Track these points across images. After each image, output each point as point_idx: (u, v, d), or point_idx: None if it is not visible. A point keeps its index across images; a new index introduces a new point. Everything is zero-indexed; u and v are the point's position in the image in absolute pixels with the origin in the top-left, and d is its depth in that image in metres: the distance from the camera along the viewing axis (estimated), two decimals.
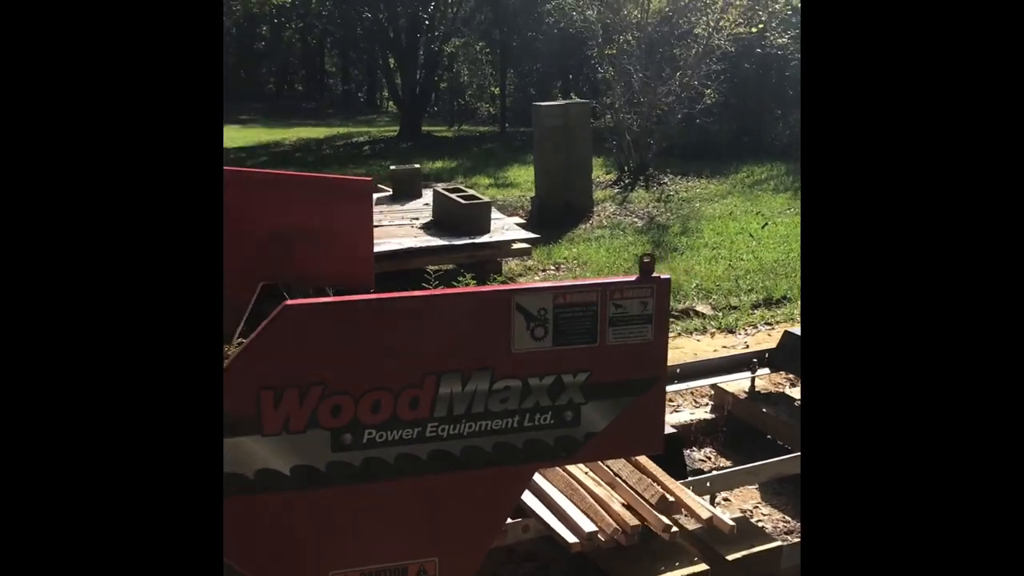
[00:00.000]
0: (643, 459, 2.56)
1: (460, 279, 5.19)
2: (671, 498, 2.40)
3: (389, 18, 17.36)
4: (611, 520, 2.33)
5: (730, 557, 2.39)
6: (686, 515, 2.46)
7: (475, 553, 1.77)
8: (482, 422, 1.68)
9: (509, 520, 2.36)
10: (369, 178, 2.78)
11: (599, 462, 2.51)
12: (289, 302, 1.55)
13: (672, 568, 2.34)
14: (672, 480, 2.50)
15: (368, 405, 1.61)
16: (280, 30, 25.79)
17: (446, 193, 5.96)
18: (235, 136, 19.34)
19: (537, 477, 2.43)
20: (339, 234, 2.63)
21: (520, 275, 6.04)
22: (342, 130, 20.14)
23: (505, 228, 5.97)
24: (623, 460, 2.50)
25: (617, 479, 2.51)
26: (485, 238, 5.68)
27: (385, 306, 1.65)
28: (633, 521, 2.33)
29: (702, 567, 2.35)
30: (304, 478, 1.61)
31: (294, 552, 1.65)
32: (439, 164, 12.37)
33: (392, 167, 6.98)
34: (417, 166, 6.98)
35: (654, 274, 1.75)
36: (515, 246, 5.84)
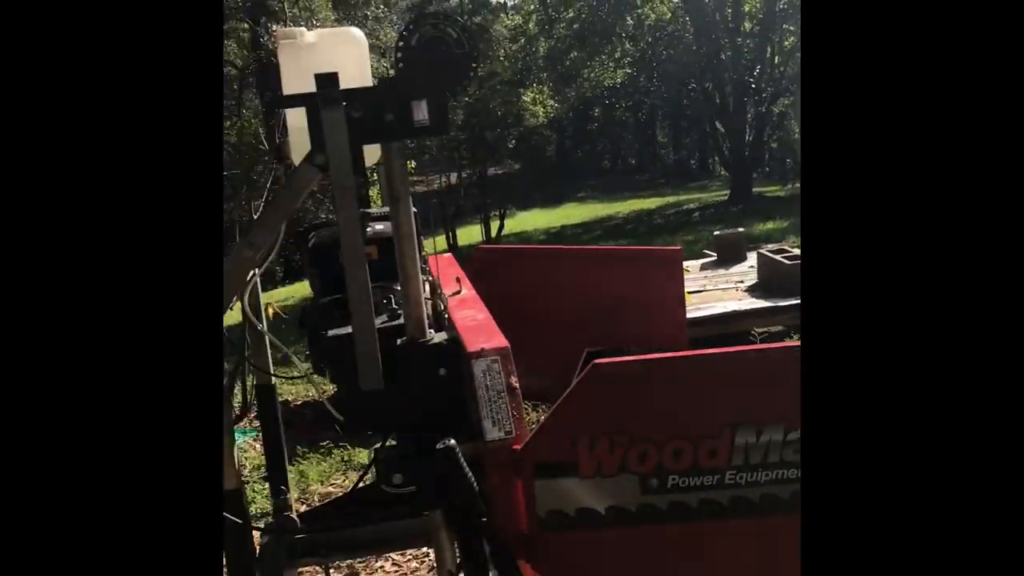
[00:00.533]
0: None
1: (788, 339, 5.19)
2: None
3: (716, 85, 17.66)
4: None
5: None
6: None
7: None
8: (779, 470, 1.81)
9: None
10: (679, 247, 3.01)
11: None
12: (599, 361, 1.82)
13: None
14: None
15: (671, 453, 1.82)
16: (612, 109, 27.11)
17: (770, 255, 5.99)
18: (572, 213, 20.61)
19: None
20: (653, 300, 2.88)
21: None
22: (672, 199, 20.66)
23: None
24: None
25: None
26: None
27: (683, 364, 1.86)
28: None
29: None
30: (620, 516, 1.84)
31: None
32: (770, 225, 12.28)
33: (716, 232, 7.15)
34: (741, 230, 7.08)
35: None
36: None
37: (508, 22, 23.69)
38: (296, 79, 2.24)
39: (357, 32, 2.41)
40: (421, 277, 2.22)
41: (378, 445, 2.23)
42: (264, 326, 2.65)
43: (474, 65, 2.05)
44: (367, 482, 2.97)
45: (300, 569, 3.10)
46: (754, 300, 5.72)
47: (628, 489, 1.83)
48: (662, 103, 22.60)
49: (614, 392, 1.83)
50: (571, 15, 18.44)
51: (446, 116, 2.08)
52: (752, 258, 6.42)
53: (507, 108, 27.99)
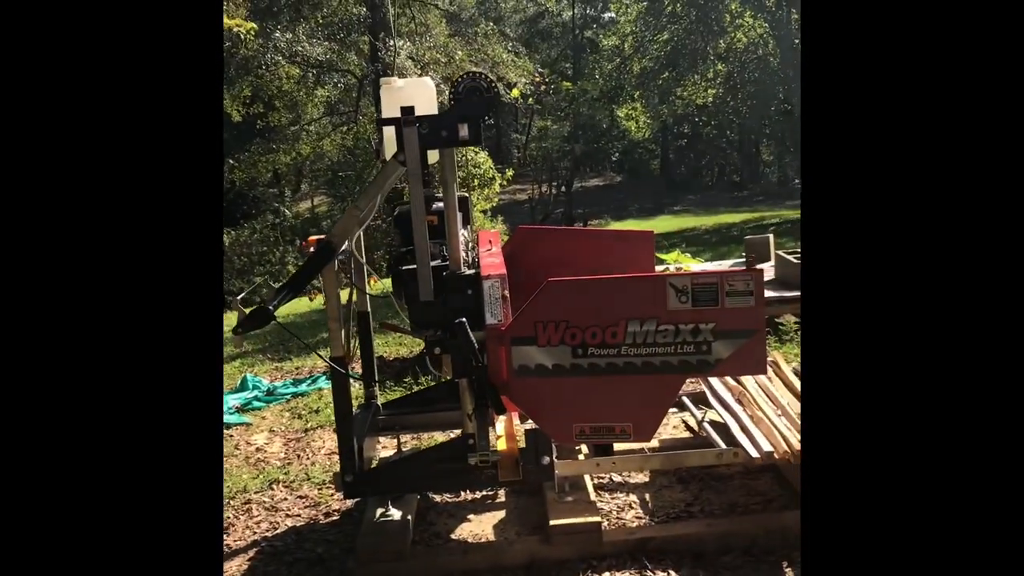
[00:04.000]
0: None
1: (781, 324, 6.29)
2: None
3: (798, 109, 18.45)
4: (783, 443, 3.50)
5: None
6: None
7: (653, 423, 3.15)
8: (651, 348, 3.08)
9: (722, 443, 3.65)
10: (651, 231, 4.24)
11: (771, 400, 3.70)
12: (551, 279, 3.13)
13: None
14: None
15: (591, 334, 3.10)
16: (700, 127, 27.86)
17: (784, 255, 7.09)
18: (662, 224, 21.62)
19: (733, 407, 3.68)
20: (629, 266, 4.12)
21: None
22: (758, 215, 21.44)
23: None
24: (791, 395, 3.66)
25: (788, 412, 3.66)
26: None
27: (597, 284, 3.15)
28: (797, 447, 3.46)
29: None
30: (559, 370, 3.14)
31: (555, 409, 3.18)
32: None
33: (747, 237, 8.24)
34: (769, 236, 8.13)
35: (754, 267, 3.01)
36: None
37: (605, 42, 25.01)
38: (391, 108, 3.62)
39: (428, 80, 3.78)
40: (463, 238, 3.55)
41: (429, 332, 3.54)
42: (363, 260, 4.02)
43: (494, 105, 3.37)
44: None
45: (380, 438, 4.45)
46: (766, 291, 6.83)
47: (564, 354, 3.12)
48: (746, 123, 23.34)
49: (557, 297, 3.13)
50: (665, 37, 19.54)
51: (480, 133, 3.41)
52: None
53: (611, 122, 29.24)
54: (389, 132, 3.56)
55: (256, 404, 6.45)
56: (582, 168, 32.79)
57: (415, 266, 3.46)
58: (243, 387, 6.81)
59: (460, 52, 20.72)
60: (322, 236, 3.59)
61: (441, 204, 3.67)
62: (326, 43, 20.59)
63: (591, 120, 29.12)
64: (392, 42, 18.93)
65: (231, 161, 21.76)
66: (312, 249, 3.52)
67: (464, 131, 3.37)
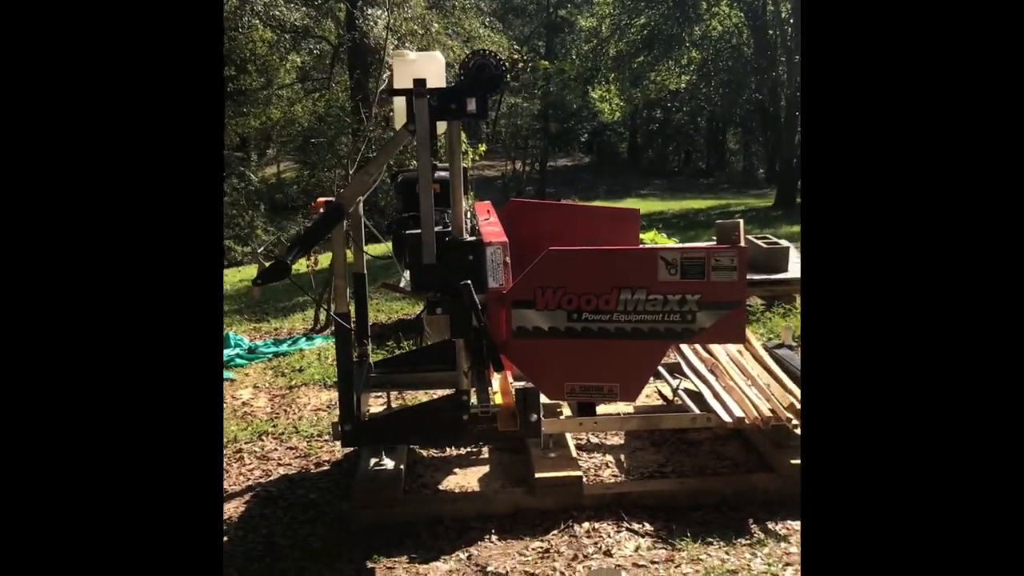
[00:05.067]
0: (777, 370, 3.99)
1: (748, 305, 6.62)
2: (796, 401, 3.79)
3: (771, 99, 18.84)
4: (754, 410, 3.80)
5: None
6: None
7: (639, 384, 3.42)
8: (641, 315, 3.33)
9: (698, 411, 3.94)
10: (637, 209, 4.50)
11: (742, 371, 4.00)
12: (551, 248, 3.36)
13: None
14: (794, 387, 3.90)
15: (585, 300, 3.35)
16: (672, 113, 28.23)
17: (753, 239, 7.40)
18: (630, 206, 21.96)
19: (707, 377, 3.97)
20: (617, 241, 4.37)
21: None
22: (724, 202, 21.88)
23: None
24: (760, 368, 3.96)
25: (758, 382, 3.96)
26: (781, 275, 7.03)
27: (594, 254, 3.39)
28: (767, 413, 3.76)
29: None
30: (554, 332, 3.38)
31: (548, 369, 3.43)
32: (796, 228, 13.54)
33: (717, 221, 8.56)
34: (740, 220, 8.44)
35: (738, 244, 3.27)
36: None
37: (583, 23, 25.23)
38: (403, 79, 3.81)
39: (438, 55, 3.97)
40: (464, 206, 3.77)
41: (430, 294, 3.76)
42: (364, 220, 4.21)
43: (503, 82, 3.58)
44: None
45: (373, 394, 4.67)
46: None
47: (560, 318, 3.37)
48: (717, 110, 23.72)
49: (556, 265, 3.37)
50: (642, 21, 19.78)
51: (486, 108, 3.61)
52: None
53: (583, 103, 29.47)
54: (399, 102, 3.76)
55: (238, 361, 6.62)
56: (552, 148, 32.94)
57: (418, 231, 3.67)
58: (225, 344, 6.96)
59: (437, 24, 20.73)
60: (331, 199, 3.78)
61: (444, 174, 3.88)
62: (304, 8, 20.46)
63: (561, 100, 29.31)
64: (370, 11, 18.91)
65: None
66: (322, 210, 3.71)
67: (472, 105, 3.58)
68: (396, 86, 3.84)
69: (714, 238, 8.44)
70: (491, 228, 3.82)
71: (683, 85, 20.60)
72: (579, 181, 31.71)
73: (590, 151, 38.38)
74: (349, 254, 4.01)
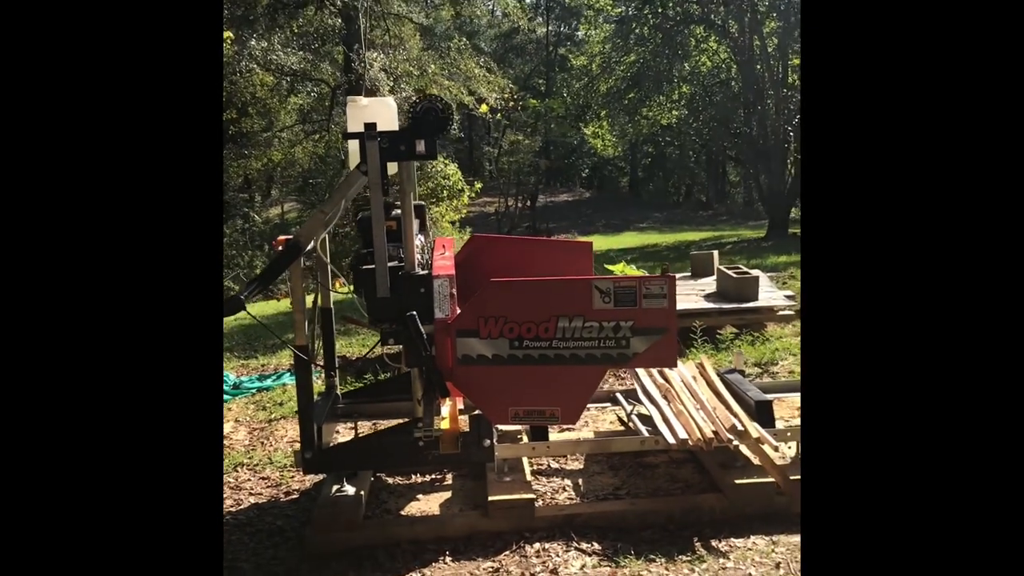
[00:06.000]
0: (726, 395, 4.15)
1: (719, 333, 6.78)
2: (738, 424, 3.94)
3: (760, 132, 19.11)
4: (698, 432, 3.95)
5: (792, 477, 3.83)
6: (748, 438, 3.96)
7: (578, 408, 3.59)
8: (578, 341, 3.51)
9: (647, 433, 4.10)
10: (590, 241, 4.70)
11: (693, 396, 4.15)
12: (492, 279, 3.55)
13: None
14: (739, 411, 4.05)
15: (526, 328, 3.53)
16: (665, 147, 28.56)
17: (725, 269, 7.59)
18: (626, 240, 22.18)
19: (659, 402, 4.13)
20: (570, 272, 4.57)
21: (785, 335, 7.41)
22: (718, 233, 22.09)
23: (773, 298, 7.43)
24: (710, 393, 4.11)
25: (706, 406, 4.12)
26: (751, 304, 7.21)
27: (532, 284, 3.58)
28: (709, 435, 3.92)
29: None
30: (497, 360, 3.56)
31: (493, 394, 3.60)
32: (782, 259, 13.70)
33: (692, 252, 8.76)
34: (714, 252, 8.63)
35: (668, 274, 3.46)
36: (780, 312, 7.26)
37: (574, 62, 25.70)
38: (356, 123, 4.03)
39: (391, 100, 4.20)
40: (419, 243, 3.97)
41: (384, 326, 3.94)
42: (328, 260, 4.42)
43: (448, 124, 3.80)
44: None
45: (338, 425, 4.84)
46: (705, 303, 7.33)
47: (502, 345, 3.55)
48: (708, 144, 24.00)
49: (497, 296, 3.55)
50: (632, 58, 20.15)
51: (435, 149, 3.83)
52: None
53: (582, 139, 29.91)
54: (353, 145, 3.97)
55: (223, 397, 6.79)
56: (552, 183, 33.38)
57: (373, 266, 3.87)
58: None
59: (433, 65, 21.17)
60: (290, 236, 3.98)
61: (399, 211, 4.08)
62: (301, 52, 20.93)
63: (562, 136, 29.69)
64: (365, 53, 19.33)
65: None
66: (280, 248, 3.91)
67: (421, 146, 3.80)
68: (350, 129, 4.06)
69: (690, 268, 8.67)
70: (442, 262, 4.02)
71: (674, 120, 20.92)
72: (579, 216, 32.05)
73: (591, 186, 38.79)
74: (310, 298, 4.19)
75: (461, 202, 17.33)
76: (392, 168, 3.92)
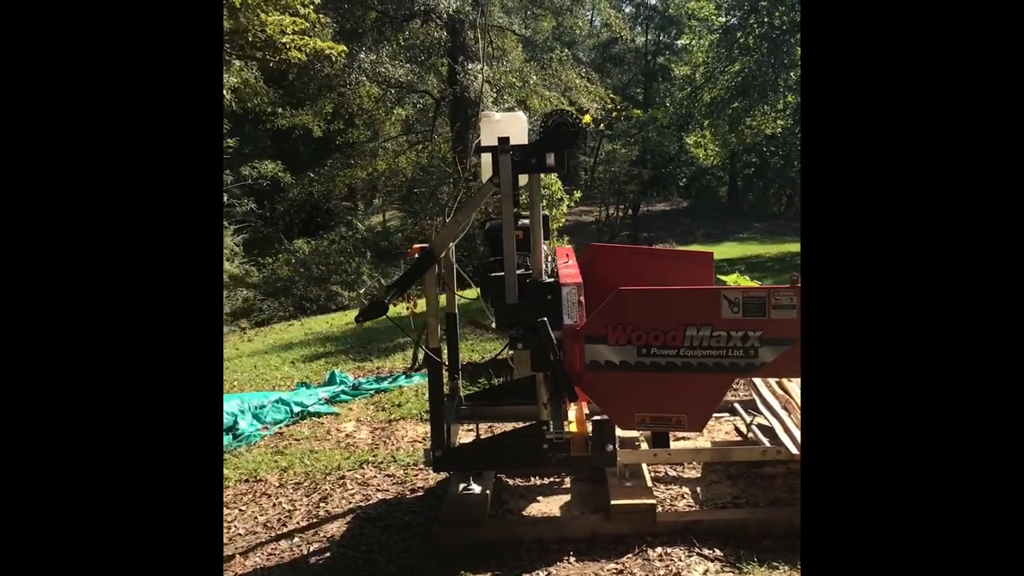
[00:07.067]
0: None
1: None
2: None
3: None
4: None
5: None
6: None
7: (704, 416, 3.66)
8: (706, 350, 3.59)
9: (768, 444, 4.13)
10: (711, 252, 4.75)
11: None
12: (621, 288, 3.66)
13: None
14: None
15: (654, 336, 3.63)
16: (768, 157, 28.07)
17: None
18: (727, 250, 21.91)
19: (780, 413, 4.16)
20: (691, 283, 4.64)
21: None
22: None
23: None
24: None
25: None
26: None
27: (661, 293, 3.68)
28: None
29: None
30: (625, 366, 3.67)
31: (620, 400, 3.71)
32: None
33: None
34: None
35: (796, 285, 3.51)
36: None
37: (677, 71, 25.59)
38: (489, 137, 4.21)
39: (521, 115, 4.37)
40: (544, 251, 4.12)
41: (512, 331, 4.09)
42: (456, 266, 4.61)
43: (578, 139, 3.93)
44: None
45: (462, 427, 5.02)
46: None
47: (630, 352, 3.65)
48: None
49: (625, 304, 3.66)
50: (737, 68, 19.93)
51: (564, 162, 3.97)
52: None
53: (680, 148, 29.71)
54: (486, 158, 4.15)
55: (343, 397, 7.09)
56: (649, 192, 33.19)
57: (503, 273, 4.03)
58: (331, 381, 7.48)
59: (534, 76, 21.42)
60: (424, 245, 4.18)
61: (526, 221, 4.24)
62: (407, 65, 21.49)
63: (660, 146, 29.53)
64: (471, 65, 19.71)
65: (311, 174, 22.75)
66: (416, 255, 4.12)
67: (551, 159, 3.94)
68: (483, 143, 4.24)
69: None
70: (568, 270, 4.15)
71: (779, 130, 20.57)
72: (677, 225, 31.75)
73: (688, 195, 38.39)
74: (442, 297, 4.39)
75: (560, 211, 17.47)
76: (522, 180, 4.07)
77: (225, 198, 20.33)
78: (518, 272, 4.02)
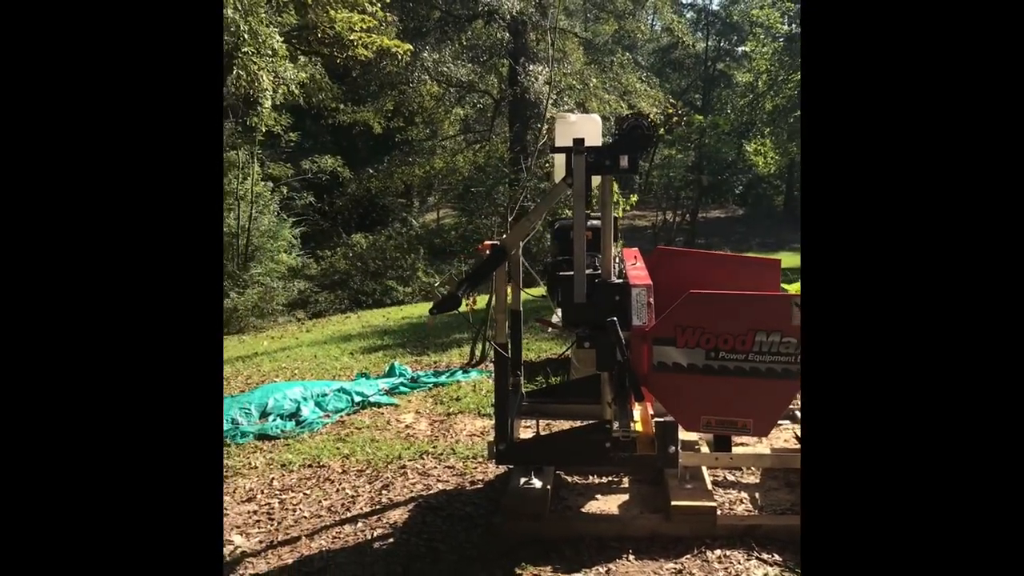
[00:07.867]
0: None
1: None
2: None
3: None
4: None
5: None
6: None
7: (771, 421, 3.68)
8: (775, 356, 3.61)
9: None
10: (778, 259, 4.76)
11: None
12: (692, 291, 3.70)
13: None
14: None
15: (723, 340, 3.66)
16: None
17: None
18: (784, 260, 21.63)
19: None
20: (757, 289, 4.65)
21: None
22: None
23: None
24: None
25: None
26: None
27: (732, 297, 3.71)
28: None
29: None
30: (692, 369, 3.71)
31: (686, 402, 3.75)
32: None
33: None
34: None
35: None
36: None
37: (739, 78, 25.36)
38: (563, 138, 4.28)
39: (596, 117, 4.43)
40: (612, 252, 4.17)
41: (579, 330, 4.16)
42: (522, 260, 4.68)
43: (652, 142, 3.98)
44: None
45: (523, 422, 5.10)
46: None
47: (698, 355, 3.69)
48: None
49: (696, 307, 3.70)
50: (800, 77, 19.69)
51: (637, 164, 4.02)
52: None
53: (737, 155, 29.46)
54: (559, 158, 4.22)
55: (402, 389, 7.23)
56: (704, 199, 32.95)
57: (571, 272, 4.09)
58: (391, 373, 7.62)
59: (595, 79, 21.46)
60: (495, 242, 4.26)
61: (596, 222, 4.29)
62: (469, 65, 21.67)
63: (717, 152, 29.33)
64: (532, 67, 19.80)
65: (370, 170, 23.07)
66: (488, 252, 4.20)
67: (624, 162, 4.00)
68: (557, 144, 4.31)
69: None
70: (637, 272, 4.20)
71: None
72: (732, 232, 31.46)
73: (744, 203, 37.98)
74: (508, 292, 4.47)
75: (617, 215, 17.48)
76: (594, 181, 4.13)
77: (285, 191, 20.73)
78: (587, 272, 4.08)
